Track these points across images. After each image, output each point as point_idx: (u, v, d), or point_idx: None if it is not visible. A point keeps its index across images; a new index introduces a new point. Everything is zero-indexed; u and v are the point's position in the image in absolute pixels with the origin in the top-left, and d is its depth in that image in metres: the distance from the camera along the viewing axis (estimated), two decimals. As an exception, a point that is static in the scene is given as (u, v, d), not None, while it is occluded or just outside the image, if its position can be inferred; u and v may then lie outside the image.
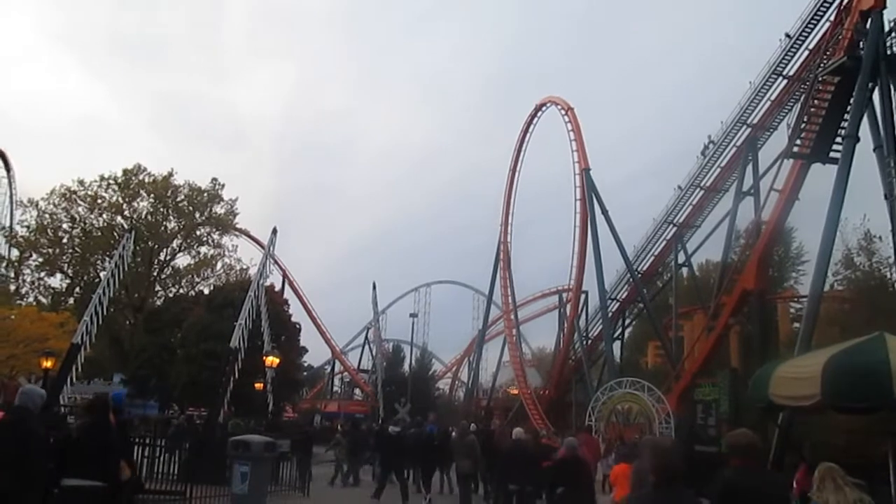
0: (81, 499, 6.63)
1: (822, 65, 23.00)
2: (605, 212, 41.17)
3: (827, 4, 28.36)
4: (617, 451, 22.20)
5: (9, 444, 6.08)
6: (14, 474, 6.02)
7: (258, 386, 31.10)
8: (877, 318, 16.90)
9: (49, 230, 45.36)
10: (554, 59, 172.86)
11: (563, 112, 47.56)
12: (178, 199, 47.10)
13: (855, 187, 19.92)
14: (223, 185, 48.60)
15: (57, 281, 47.29)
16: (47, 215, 45.42)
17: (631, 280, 42.18)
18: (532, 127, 52.79)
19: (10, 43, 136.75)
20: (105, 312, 23.75)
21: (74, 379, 22.97)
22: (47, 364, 23.80)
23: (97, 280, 36.19)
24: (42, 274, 46.36)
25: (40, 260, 45.80)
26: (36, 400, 6.74)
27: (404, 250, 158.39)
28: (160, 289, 49.74)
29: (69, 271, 46.76)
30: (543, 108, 51.15)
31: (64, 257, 46.21)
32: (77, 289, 46.65)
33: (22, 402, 6.61)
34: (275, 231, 30.64)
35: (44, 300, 45.66)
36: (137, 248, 39.68)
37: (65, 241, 46.02)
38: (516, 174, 54.40)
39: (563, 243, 57.88)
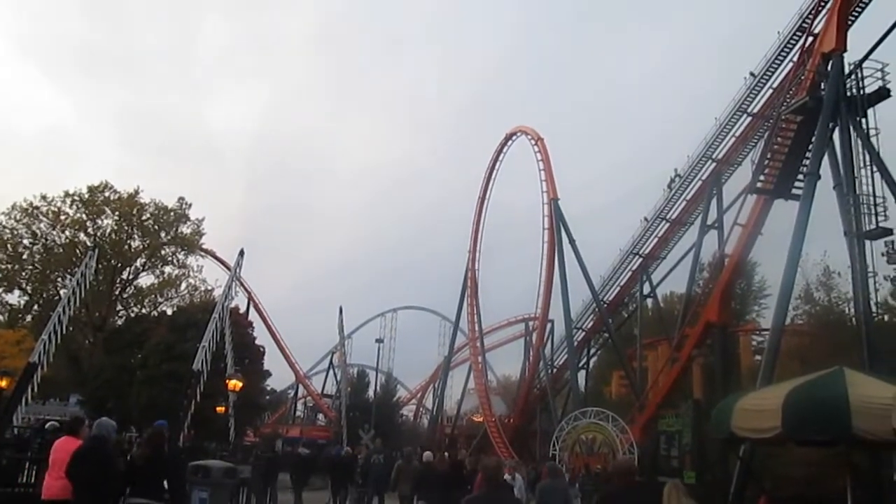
0: None
1: (785, 104, 23.62)
2: (572, 241, 41.55)
3: (790, 45, 29.20)
4: (581, 481, 22.29)
5: (91, 468, 7.42)
6: (94, 494, 7.37)
7: (220, 409, 30.58)
8: (836, 352, 17.23)
9: (8, 245, 44.34)
10: (528, 89, 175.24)
11: (532, 142, 48.08)
12: (144, 217, 46.44)
13: (816, 224, 20.40)
14: (190, 205, 48.12)
15: (15, 298, 46.25)
16: (7, 230, 44.41)
17: (597, 310, 42.48)
18: (502, 156, 53.36)
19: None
20: (64, 331, 23.26)
21: (30, 399, 22.41)
22: (2, 383, 23.10)
23: (57, 298, 35.44)
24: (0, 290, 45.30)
25: (-2, 276, 44.75)
26: (109, 430, 8.20)
27: (372, 275, 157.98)
28: (122, 308, 48.81)
29: (28, 288, 45.72)
30: (514, 138, 51.68)
31: (23, 273, 45.17)
32: (36, 306, 45.61)
33: (98, 432, 8.02)
34: (242, 253, 30.45)
35: (0, 317, 44.57)
36: (100, 266, 39.00)
37: (25, 256, 45.02)
38: (485, 202, 54.84)
39: (530, 272, 58.42)
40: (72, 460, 7.59)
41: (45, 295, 45.19)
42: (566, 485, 11.73)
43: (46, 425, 21.13)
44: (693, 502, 7.16)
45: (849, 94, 21.05)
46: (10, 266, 44.50)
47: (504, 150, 52.88)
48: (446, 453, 22.45)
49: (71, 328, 31.55)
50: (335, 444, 43.23)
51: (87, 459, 7.54)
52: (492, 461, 7.12)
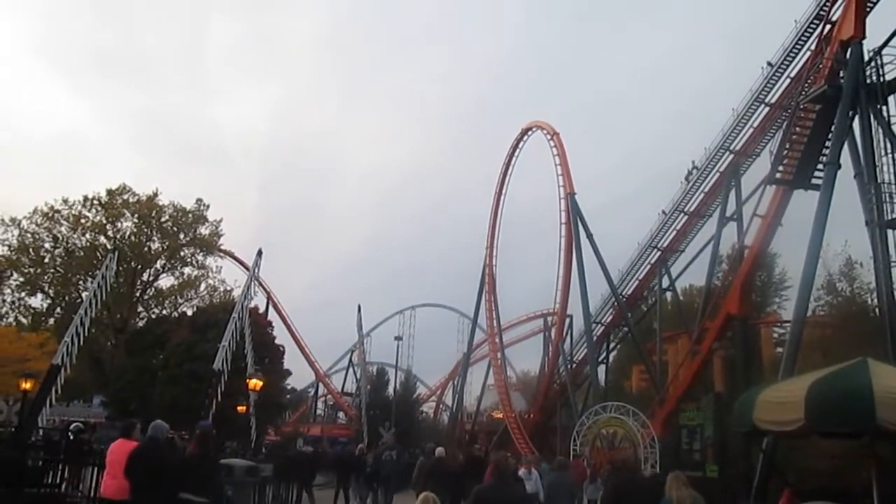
0: None
1: (803, 93, 23.38)
2: (590, 236, 41.33)
3: (808, 34, 28.84)
4: (607, 476, 22.25)
5: (146, 467, 8.10)
6: (150, 491, 8.02)
7: (241, 408, 30.79)
8: (859, 343, 17.05)
9: (31, 249, 44.95)
10: (539, 83, 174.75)
11: (548, 137, 47.87)
12: (163, 219, 46.90)
13: (836, 213, 20.18)
14: (208, 206, 48.58)
15: (38, 301, 46.89)
16: (29, 234, 45.04)
17: (615, 304, 42.28)
18: (518, 151, 53.10)
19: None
20: (86, 333, 23.54)
21: (54, 401, 22.68)
22: (26, 385, 23.35)
23: (79, 300, 35.89)
24: (22, 294, 45.90)
25: (21, 280, 45.33)
26: (164, 431, 8.93)
27: (390, 273, 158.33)
28: (143, 310, 49.36)
29: (50, 291, 46.33)
30: (529, 133, 51.49)
31: (45, 277, 45.79)
32: (58, 309, 46.21)
33: (153, 434, 8.74)
34: (260, 253, 30.65)
35: (24, 320, 45.17)
36: (120, 268, 39.41)
37: (46, 260, 45.63)
38: (502, 197, 54.63)
39: (548, 267, 58.08)
40: (129, 461, 8.23)
41: (66, 298, 45.79)
42: (572, 478, 12.83)
43: (71, 426, 21.42)
44: (693, 492, 7.86)
45: (868, 81, 20.77)
46: (32, 270, 45.13)
47: (520, 145, 52.74)
48: (459, 451, 22.22)
49: (93, 330, 31.93)
50: (348, 442, 43.53)
51: (142, 459, 8.22)
52: (503, 455, 8.80)
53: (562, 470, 12.77)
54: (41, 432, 21.15)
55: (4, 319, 44.36)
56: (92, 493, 13.63)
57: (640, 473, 9.18)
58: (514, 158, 53.53)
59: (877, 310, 19.98)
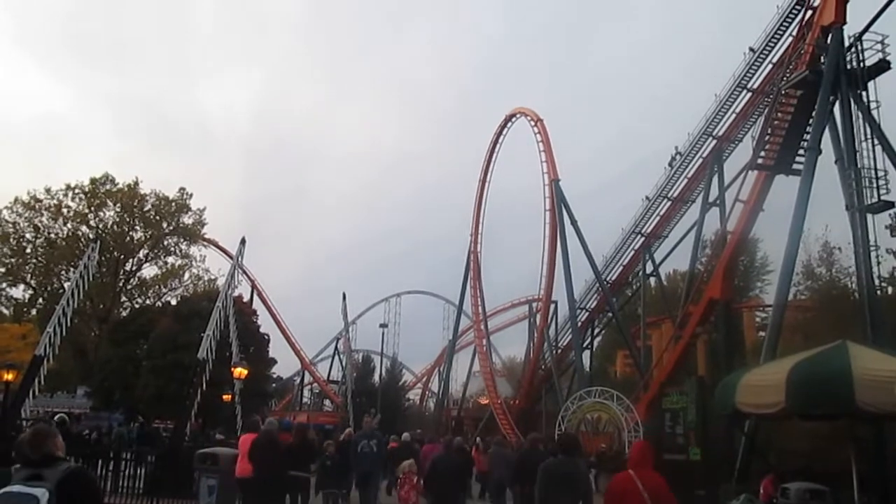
0: (298, 482, 12.42)
1: (784, 78, 23.47)
2: (574, 222, 41.46)
3: (790, 19, 28.94)
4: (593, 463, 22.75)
5: (263, 450, 10.90)
6: (267, 470, 10.74)
7: (226, 397, 30.72)
8: (839, 326, 17.25)
9: (12, 239, 44.49)
10: (528, 69, 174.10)
11: (532, 123, 47.88)
12: (145, 208, 46.55)
13: (817, 199, 20.34)
14: (191, 195, 48.26)
15: (20, 291, 46.51)
16: (10, 224, 44.55)
17: (600, 290, 42.48)
18: (502, 137, 53.10)
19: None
20: (69, 324, 23.31)
21: (37, 392, 22.49)
22: (8, 377, 23.12)
23: (61, 291, 35.57)
24: (4, 284, 45.49)
25: (2, 270, 44.89)
26: (276, 425, 12.01)
27: (375, 260, 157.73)
28: (126, 299, 49.08)
29: (32, 282, 45.91)
30: (513, 119, 51.46)
31: (27, 267, 45.36)
32: (40, 300, 45.84)
33: (267, 427, 11.57)
34: (243, 241, 30.38)
35: (6, 311, 44.86)
36: (103, 258, 39.09)
37: (28, 250, 45.20)
38: (486, 184, 54.58)
39: (533, 253, 58.11)
40: (251, 448, 11.01)
41: (49, 288, 45.41)
42: (510, 451, 15.58)
43: (55, 418, 21.27)
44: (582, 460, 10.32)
45: (849, 67, 20.90)
46: (13, 260, 44.69)
47: (504, 131, 52.69)
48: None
49: (76, 321, 31.66)
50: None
51: (261, 446, 10.95)
52: (449, 437, 13.24)
53: (499, 446, 16.70)
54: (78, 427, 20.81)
55: (-14, 310, 44.01)
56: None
57: (540, 447, 11.73)
58: (498, 145, 53.56)
59: (856, 293, 20.22)
